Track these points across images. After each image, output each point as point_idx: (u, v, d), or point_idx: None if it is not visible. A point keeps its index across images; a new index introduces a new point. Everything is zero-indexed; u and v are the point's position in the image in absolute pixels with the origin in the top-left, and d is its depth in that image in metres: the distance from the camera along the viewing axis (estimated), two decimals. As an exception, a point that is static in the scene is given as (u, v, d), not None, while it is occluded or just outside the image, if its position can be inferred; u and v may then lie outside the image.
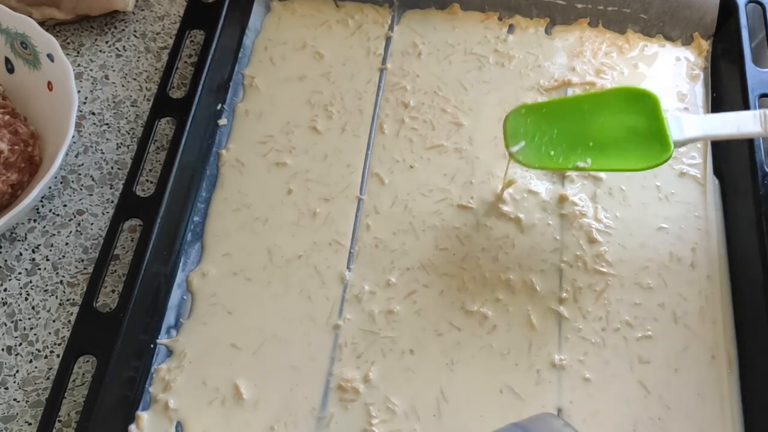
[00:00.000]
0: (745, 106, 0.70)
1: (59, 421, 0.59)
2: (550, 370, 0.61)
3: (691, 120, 0.60)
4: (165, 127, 0.72)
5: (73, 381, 0.60)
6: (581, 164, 0.59)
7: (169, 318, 0.63)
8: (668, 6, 0.78)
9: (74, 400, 0.59)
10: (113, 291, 0.64)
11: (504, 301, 0.64)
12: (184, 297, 0.64)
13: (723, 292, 0.65)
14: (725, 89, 0.75)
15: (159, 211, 0.62)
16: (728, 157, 0.71)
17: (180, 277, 0.65)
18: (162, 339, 0.62)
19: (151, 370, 0.61)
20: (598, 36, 0.79)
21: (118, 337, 0.57)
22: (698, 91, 0.76)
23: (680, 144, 0.59)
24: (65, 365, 0.56)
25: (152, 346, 0.61)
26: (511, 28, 0.79)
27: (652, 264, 0.66)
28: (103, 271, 0.60)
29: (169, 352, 0.62)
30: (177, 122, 0.67)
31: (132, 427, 0.58)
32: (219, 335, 0.62)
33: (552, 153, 0.60)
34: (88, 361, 0.61)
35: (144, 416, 0.58)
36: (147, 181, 0.70)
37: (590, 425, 0.59)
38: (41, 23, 0.73)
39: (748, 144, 0.68)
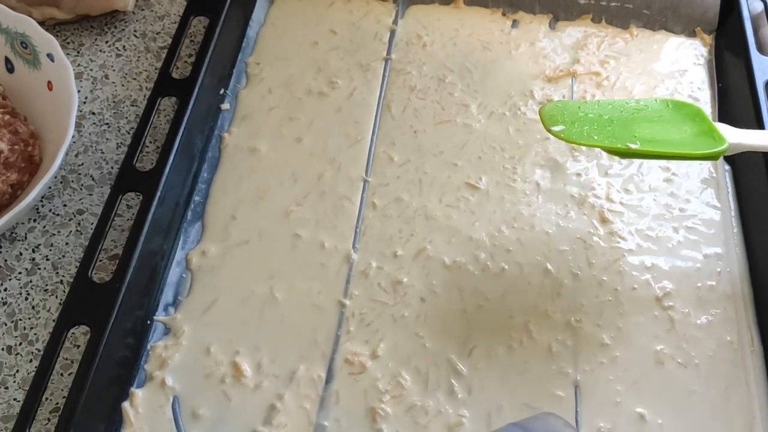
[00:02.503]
0: (753, 93, 0.69)
1: (55, 413, 0.57)
2: (565, 331, 0.60)
3: (738, 130, 0.58)
4: (165, 126, 0.72)
5: (69, 374, 0.58)
6: (632, 145, 0.55)
7: (167, 296, 0.61)
8: (670, 1, 0.79)
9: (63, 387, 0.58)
10: (109, 268, 0.63)
11: (517, 260, 0.63)
12: (183, 275, 0.62)
13: (738, 245, 0.66)
14: (731, 78, 0.75)
15: (159, 185, 0.61)
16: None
17: (179, 255, 0.63)
18: (159, 316, 0.60)
19: (147, 347, 0.59)
20: (601, 30, 0.80)
21: (113, 308, 0.55)
22: (704, 82, 0.76)
23: (735, 148, 0.56)
24: (57, 334, 0.54)
25: (148, 322, 0.59)
26: (515, 23, 0.80)
27: (663, 229, 0.66)
28: (100, 241, 0.58)
29: (167, 330, 0.60)
30: (179, 101, 0.67)
31: (126, 404, 0.55)
32: (219, 312, 0.60)
33: (596, 137, 0.57)
34: (77, 346, 0.59)
35: (138, 393, 0.56)
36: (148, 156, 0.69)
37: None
38: (41, 23, 0.73)
39: (756, 126, 0.67)
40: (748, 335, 0.60)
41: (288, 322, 0.60)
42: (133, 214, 0.66)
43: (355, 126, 0.72)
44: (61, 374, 0.58)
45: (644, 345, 0.60)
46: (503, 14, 0.80)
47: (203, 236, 0.65)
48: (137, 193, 0.62)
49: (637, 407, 0.57)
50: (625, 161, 0.69)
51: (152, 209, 0.60)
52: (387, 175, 0.68)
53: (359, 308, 0.61)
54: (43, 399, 0.54)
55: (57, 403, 0.57)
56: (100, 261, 0.63)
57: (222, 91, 0.73)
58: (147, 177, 0.62)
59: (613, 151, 0.56)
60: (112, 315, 0.55)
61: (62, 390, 0.57)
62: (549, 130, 0.57)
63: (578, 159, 0.69)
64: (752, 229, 0.66)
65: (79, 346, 0.60)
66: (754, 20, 0.76)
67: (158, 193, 0.61)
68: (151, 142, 0.71)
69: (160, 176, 0.62)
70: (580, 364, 0.58)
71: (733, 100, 0.73)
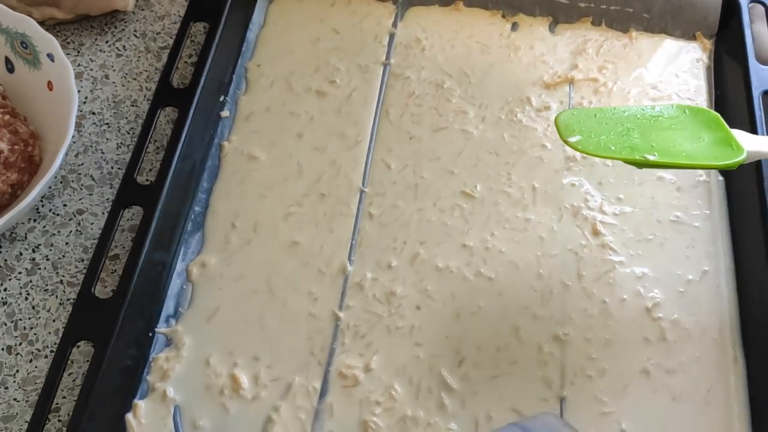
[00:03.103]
0: (749, 103, 0.70)
1: (59, 420, 0.58)
2: (553, 343, 0.61)
3: (756, 137, 0.58)
4: (166, 127, 0.72)
5: (73, 381, 0.59)
6: (650, 157, 0.55)
7: (168, 307, 0.62)
8: (671, 5, 0.79)
9: (74, 400, 0.58)
10: (110, 284, 0.64)
11: (509, 270, 0.64)
12: (184, 286, 0.64)
13: (726, 252, 0.66)
14: (728, 87, 0.75)
15: (160, 199, 0.62)
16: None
17: (180, 266, 0.64)
18: (161, 328, 0.61)
19: (149, 358, 0.60)
20: (601, 34, 0.79)
21: (116, 323, 0.56)
22: (702, 89, 0.76)
23: (753, 156, 0.56)
24: (62, 350, 0.56)
25: (150, 334, 0.61)
26: (514, 26, 0.80)
27: (653, 236, 0.67)
28: (104, 255, 0.60)
29: (168, 342, 0.61)
30: (179, 111, 0.67)
31: (129, 416, 0.57)
32: (219, 324, 0.61)
33: (613, 148, 0.57)
34: (87, 361, 0.60)
35: (141, 405, 0.57)
36: (148, 171, 0.69)
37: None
38: (41, 23, 0.73)
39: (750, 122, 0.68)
40: (733, 352, 0.62)
41: (285, 334, 0.61)
42: (132, 214, 0.66)
43: (353, 128, 0.72)
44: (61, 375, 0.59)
45: (632, 357, 0.61)
46: (503, 16, 0.80)
47: (203, 247, 0.66)
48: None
49: (622, 420, 0.58)
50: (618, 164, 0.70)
51: (153, 223, 0.61)
52: (384, 183, 0.69)
53: (354, 320, 0.62)
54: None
55: (57, 403, 0.58)
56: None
57: (222, 98, 0.73)
58: (148, 190, 0.63)
59: (631, 162, 0.56)
60: (114, 331, 0.56)
61: (62, 390, 0.59)
62: (566, 141, 0.57)
63: (573, 169, 0.70)
64: (741, 235, 0.67)
65: (79, 346, 0.60)
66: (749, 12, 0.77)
67: (159, 207, 0.62)
68: (150, 143, 0.71)
69: (161, 190, 0.63)
70: (567, 376, 0.60)
71: (730, 109, 0.73)
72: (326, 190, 0.68)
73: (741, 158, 0.55)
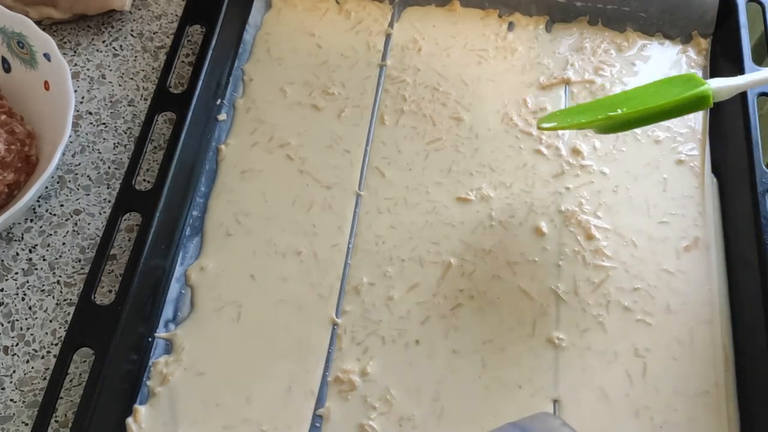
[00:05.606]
0: (744, 105, 0.70)
1: (56, 421, 0.58)
2: (547, 347, 0.62)
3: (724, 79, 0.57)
4: (162, 126, 0.72)
5: (70, 381, 0.60)
6: (612, 113, 0.57)
7: (168, 312, 0.63)
8: (667, 4, 0.78)
9: (71, 400, 0.59)
10: (110, 291, 0.64)
11: (504, 290, 0.64)
12: (183, 291, 0.64)
13: (719, 258, 0.66)
14: (724, 87, 0.74)
15: (158, 205, 0.62)
16: (726, 154, 0.71)
17: (179, 271, 0.65)
18: (160, 332, 0.62)
19: (149, 363, 0.60)
20: (597, 34, 0.79)
21: (116, 329, 0.57)
22: (697, 89, 0.76)
23: (727, 92, 0.57)
24: (63, 357, 0.56)
25: (150, 339, 0.61)
26: (510, 26, 0.80)
27: (648, 243, 0.67)
28: (103, 263, 0.60)
29: (167, 346, 0.62)
30: (177, 116, 0.67)
31: (129, 421, 0.58)
32: (217, 329, 0.62)
33: (583, 120, 0.59)
34: (85, 361, 0.60)
35: (142, 410, 0.58)
36: (145, 180, 0.69)
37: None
38: (38, 22, 0.73)
39: (745, 141, 0.68)
40: (723, 353, 0.62)
41: (283, 338, 0.62)
42: (130, 214, 0.66)
43: (348, 139, 0.72)
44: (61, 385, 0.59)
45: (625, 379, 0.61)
46: (499, 16, 0.80)
47: (202, 251, 0.66)
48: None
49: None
50: (614, 170, 0.70)
51: (152, 230, 0.61)
52: (379, 192, 0.69)
53: (351, 325, 0.62)
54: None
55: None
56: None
57: (218, 102, 0.73)
58: (146, 197, 0.63)
59: (598, 126, 0.59)
60: (114, 338, 0.57)
61: (62, 397, 0.59)
62: (540, 128, 0.62)
63: (567, 173, 0.70)
64: (734, 241, 0.67)
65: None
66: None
67: (157, 213, 0.62)
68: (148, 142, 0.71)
69: (159, 196, 0.63)
70: (561, 392, 0.60)
71: (725, 110, 0.73)
72: (323, 191, 0.69)
73: (703, 88, 0.55)
